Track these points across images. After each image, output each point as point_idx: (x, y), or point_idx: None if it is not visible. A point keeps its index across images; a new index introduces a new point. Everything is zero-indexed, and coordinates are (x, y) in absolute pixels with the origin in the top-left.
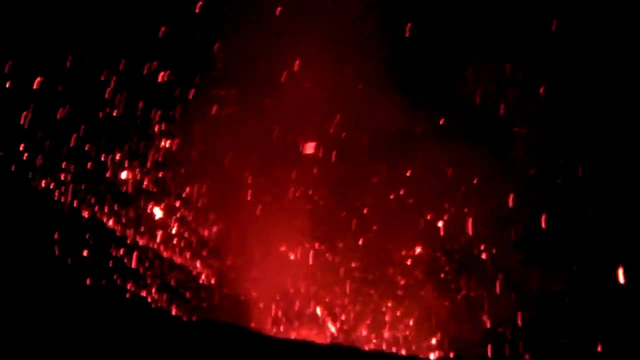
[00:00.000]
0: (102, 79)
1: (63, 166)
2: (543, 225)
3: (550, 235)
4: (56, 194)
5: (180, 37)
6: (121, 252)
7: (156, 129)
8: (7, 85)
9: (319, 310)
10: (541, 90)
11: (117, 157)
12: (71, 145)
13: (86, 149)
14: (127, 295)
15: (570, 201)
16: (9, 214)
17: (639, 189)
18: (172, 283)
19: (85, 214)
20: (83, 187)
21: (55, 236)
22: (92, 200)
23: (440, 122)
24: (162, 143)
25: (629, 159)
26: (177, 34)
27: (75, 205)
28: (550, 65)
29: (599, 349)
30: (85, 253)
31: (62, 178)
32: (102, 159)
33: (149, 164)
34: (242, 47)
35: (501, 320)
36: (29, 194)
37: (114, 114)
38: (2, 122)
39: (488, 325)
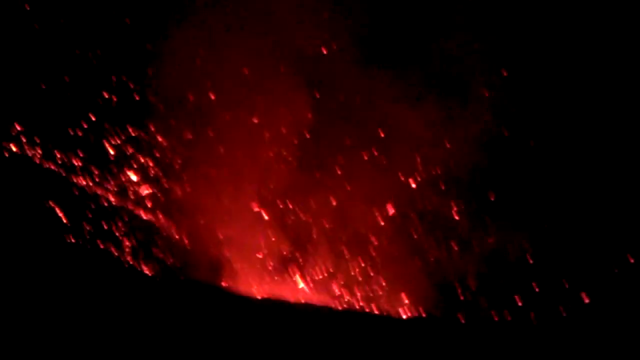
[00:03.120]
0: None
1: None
2: (519, 188)
3: (527, 198)
4: (27, 150)
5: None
6: (94, 212)
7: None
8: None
9: (292, 270)
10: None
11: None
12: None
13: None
14: (100, 255)
15: (547, 162)
16: None
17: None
18: (145, 243)
19: (57, 172)
20: (58, 148)
21: (29, 196)
22: (64, 160)
23: (414, 85)
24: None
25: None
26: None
27: (47, 164)
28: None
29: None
30: (58, 212)
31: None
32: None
33: (125, 126)
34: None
35: (472, 280)
36: None
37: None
38: None
39: (458, 285)
